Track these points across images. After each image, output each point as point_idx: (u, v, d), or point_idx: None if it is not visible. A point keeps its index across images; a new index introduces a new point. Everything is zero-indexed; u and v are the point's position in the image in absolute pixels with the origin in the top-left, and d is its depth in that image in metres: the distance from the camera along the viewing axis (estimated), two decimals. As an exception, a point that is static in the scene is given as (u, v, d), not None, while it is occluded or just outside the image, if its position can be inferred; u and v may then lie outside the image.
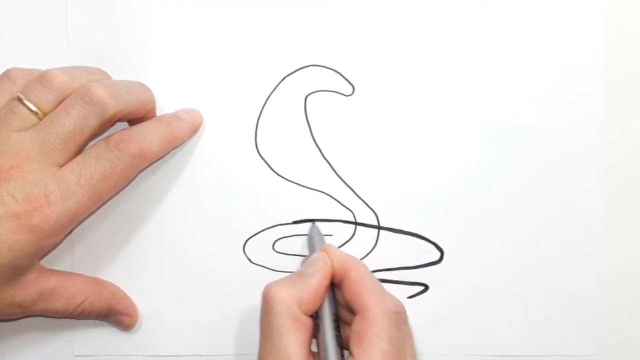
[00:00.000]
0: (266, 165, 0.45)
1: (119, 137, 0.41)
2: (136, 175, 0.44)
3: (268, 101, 0.45)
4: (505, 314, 0.45)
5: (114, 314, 0.44)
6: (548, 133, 0.45)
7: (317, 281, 0.40)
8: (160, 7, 0.45)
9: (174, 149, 0.44)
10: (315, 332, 0.40)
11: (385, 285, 0.45)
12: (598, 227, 0.45)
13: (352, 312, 0.40)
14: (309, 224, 0.45)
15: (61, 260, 0.45)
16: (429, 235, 0.45)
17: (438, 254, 0.45)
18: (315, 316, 0.40)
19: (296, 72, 0.45)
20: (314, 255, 0.41)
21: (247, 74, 0.45)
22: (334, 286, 0.42)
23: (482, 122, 0.45)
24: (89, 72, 0.43)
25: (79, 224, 0.44)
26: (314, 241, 0.44)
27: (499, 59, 0.45)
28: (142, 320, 0.45)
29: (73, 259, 0.45)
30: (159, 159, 0.44)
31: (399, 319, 0.39)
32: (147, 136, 0.42)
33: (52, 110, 0.40)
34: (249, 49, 0.45)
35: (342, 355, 0.39)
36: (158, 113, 0.45)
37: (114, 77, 0.44)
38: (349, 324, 0.41)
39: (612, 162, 0.45)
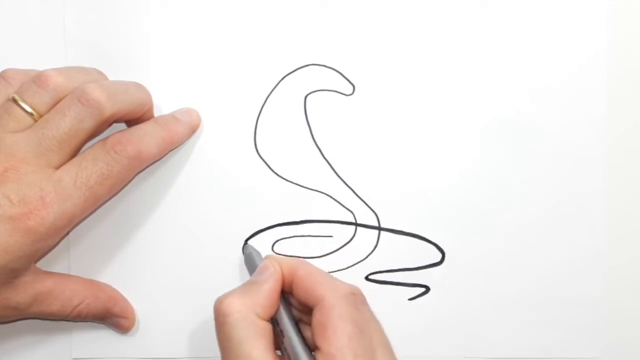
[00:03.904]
0: (265, 166, 0.45)
1: (116, 139, 0.40)
2: (133, 177, 0.44)
3: (267, 101, 0.45)
4: (508, 315, 0.45)
5: (111, 317, 0.44)
6: (551, 133, 0.45)
7: (270, 286, 0.40)
8: (158, 6, 0.45)
9: (171, 150, 0.44)
10: (277, 339, 0.40)
11: (385, 286, 0.45)
12: (602, 228, 0.45)
13: (309, 312, 0.40)
14: (248, 245, 0.44)
15: (58, 262, 0.45)
16: (430, 236, 0.45)
17: (439, 255, 0.45)
18: (275, 323, 0.40)
19: (296, 72, 0.45)
20: (262, 263, 0.41)
21: (247, 73, 0.45)
22: (285, 293, 0.41)
23: (485, 122, 0.45)
24: (85, 72, 0.42)
25: (75, 226, 0.44)
26: (253, 257, 0.43)
27: (500, 58, 0.45)
28: (140, 321, 0.45)
29: (70, 260, 0.45)
30: (156, 161, 0.44)
31: (357, 299, 0.40)
32: (144, 138, 0.41)
33: (48, 111, 0.40)
34: (248, 48, 0.45)
35: (312, 355, 0.39)
36: (156, 112, 0.44)
37: (112, 77, 0.44)
38: (308, 325, 0.40)
39: (616, 162, 0.45)
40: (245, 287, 0.40)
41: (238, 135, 0.45)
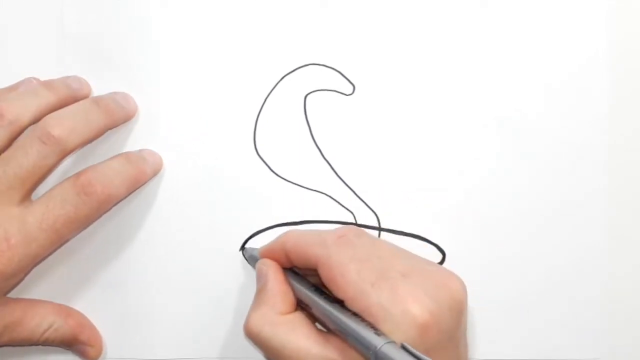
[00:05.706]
0: (265, 166, 0.45)
1: (87, 180, 0.40)
2: (99, 217, 0.43)
3: (267, 100, 0.45)
4: (508, 317, 0.45)
5: (78, 344, 0.43)
6: (551, 133, 0.45)
7: (273, 284, 0.39)
8: (158, 5, 0.45)
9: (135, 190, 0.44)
10: (311, 317, 0.39)
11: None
12: (604, 229, 0.45)
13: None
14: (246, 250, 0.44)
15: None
16: (431, 236, 0.45)
17: (440, 256, 0.45)
18: (303, 304, 0.40)
19: (296, 71, 0.45)
20: (256, 270, 0.41)
21: (246, 73, 0.44)
22: (294, 273, 0.41)
23: (485, 122, 0.45)
24: (36, 94, 0.42)
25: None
26: (255, 257, 0.43)
27: (500, 58, 0.45)
28: (140, 323, 0.44)
29: (62, 259, 0.44)
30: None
31: (347, 239, 0.39)
32: (115, 180, 0.41)
33: (4, 145, 0.40)
34: (248, 48, 0.44)
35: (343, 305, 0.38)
36: (156, 113, 0.44)
37: (112, 76, 0.44)
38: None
39: (617, 162, 0.44)
40: (256, 300, 0.40)
41: (238, 135, 0.45)
